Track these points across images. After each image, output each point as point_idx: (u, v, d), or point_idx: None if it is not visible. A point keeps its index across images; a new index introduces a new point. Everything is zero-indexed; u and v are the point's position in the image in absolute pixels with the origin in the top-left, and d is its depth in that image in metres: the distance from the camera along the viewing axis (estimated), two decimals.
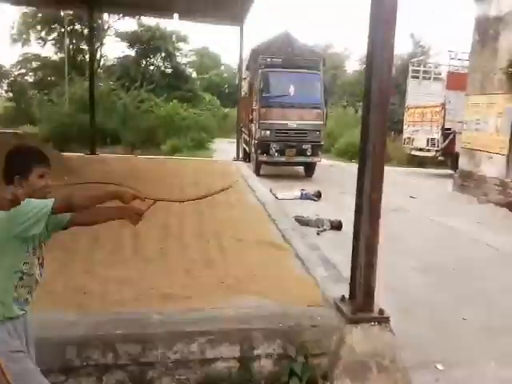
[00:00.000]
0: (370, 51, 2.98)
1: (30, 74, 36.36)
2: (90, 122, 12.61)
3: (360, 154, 3.04)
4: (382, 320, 3.03)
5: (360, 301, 3.05)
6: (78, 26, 34.28)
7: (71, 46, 34.03)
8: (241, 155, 13.97)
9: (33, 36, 35.18)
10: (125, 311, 2.94)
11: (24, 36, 34.90)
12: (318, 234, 7.23)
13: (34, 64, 35.97)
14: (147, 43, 33.98)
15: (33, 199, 1.77)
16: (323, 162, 14.74)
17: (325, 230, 7.54)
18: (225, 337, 2.78)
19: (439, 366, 3.52)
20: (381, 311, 3.07)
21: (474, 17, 12.13)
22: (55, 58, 35.42)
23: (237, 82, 16.76)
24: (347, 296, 3.20)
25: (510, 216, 9.76)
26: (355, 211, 3.13)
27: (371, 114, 2.89)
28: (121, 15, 30.07)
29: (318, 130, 13.19)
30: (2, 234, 1.80)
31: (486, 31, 11.75)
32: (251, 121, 13.88)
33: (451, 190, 13.17)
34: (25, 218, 1.75)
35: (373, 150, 2.86)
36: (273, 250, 4.47)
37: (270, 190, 8.68)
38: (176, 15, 12.54)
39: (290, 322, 2.93)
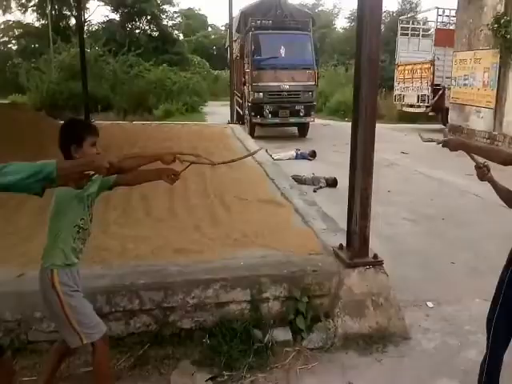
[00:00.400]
0: (359, 16, 3.17)
1: (13, 41, 35.59)
2: (82, 88, 12.60)
3: (353, 113, 3.29)
4: (377, 263, 3.37)
5: (356, 248, 3.38)
6: None
7: (53, 12, 33.14)
8: (235, 118, 14.11)
9: (13, 3, 34.24)
10: (145, 264, 3.25)
11: (4, 2, 33.94)
12: (314, 191, 7.54)
13: (17, 32, 35.12)
14: (131, 6, 33.19)
15: None
16: (316, 122, 14.92)
17: (321, 187, 7.86)
18: (236, 283, 3.10)
19: (429, 304, 3.90)
20: (375, 256, 3.40)
21: None
22: (37, 24, 34.61)
23: (226, 45, 16.68)
24: (345, 244, 3.52)
25: (496, 166, 10.10)
26: (350, 167, 3.41)
27: (362, 76, 3.12)
28: None
29: (311, 91, 13.32)
30: (66, 193, 2.06)
31: None
32: (244, 83, 13.95)
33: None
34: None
35: (365, 110, 3.11)
36: (273, 207, 4.78)
37: (266, 151, 8.91)
38: None
39: (294, 268, 3.26)
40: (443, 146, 2.60)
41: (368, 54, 3.04)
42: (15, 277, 3.00)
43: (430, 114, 16.91)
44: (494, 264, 4.65)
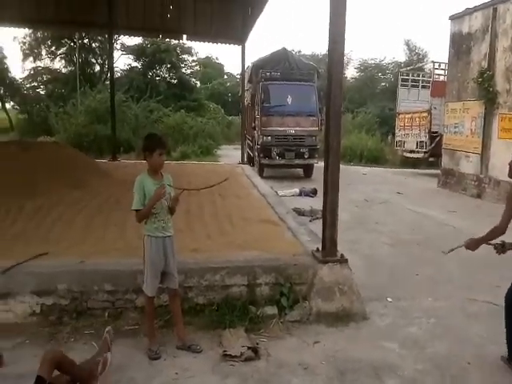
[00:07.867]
0: (328, 80, 4.46)
1: (41, 86, 37.98)
2: (111, 130, 14.15)
3: (325, 149, 4.52)
4: (343, 261, 4.49)
5: (327, 249, 4.51)
6: (86, 40, 36.14)
7: (80, 60, 35.68)
8: (245, 159, 15.46)
9: (44, 51, 37.00)
10: None
11: (35, 50, 36.71)
12: (310, 221, 8.66)
13: (45, 77, 37.58)
14: (152, 56, 35.54)
15: None
16: (321, 164, 16.14)
17: (317, 218, 8.95)
18: (237, 270, 4.23)
19: (389, 299, 4.96)
20: (342, 256, 4.52)
21: (450, 33, 13.63)
22: (64, 71, 37.13)
23: (239, 93, 18.33)
24: (320, 248, 4.65)
25: (481, 205, 11.24)
26: (323, 189, 4.59)
27: (330, 121, 4.37)
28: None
29: (314, 136, 14.69)
30: None
31: (460, 46, 13.25)
32: (254, 128, 15.41)
33: (436, 186, 14.62)
34: None
35: (331, 147, 4.33)
36: (270, 225, 5.94)
37: (271, 188, 10.11)
38: (184, 36, 14.13)
39: (281, 262, 4.39)
40: (467, 249, 3.42)
41: (333, 103, 4.32)
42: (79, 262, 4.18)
43: (430, 159, 18.10)
44: (450, 277, 5.75)
